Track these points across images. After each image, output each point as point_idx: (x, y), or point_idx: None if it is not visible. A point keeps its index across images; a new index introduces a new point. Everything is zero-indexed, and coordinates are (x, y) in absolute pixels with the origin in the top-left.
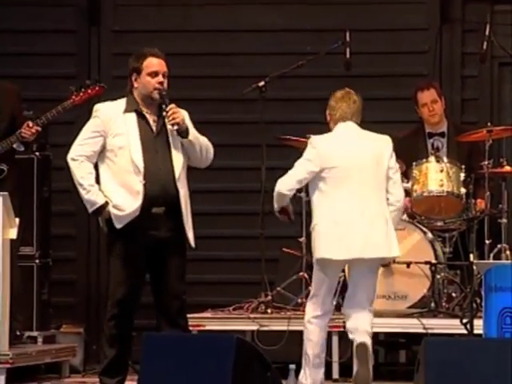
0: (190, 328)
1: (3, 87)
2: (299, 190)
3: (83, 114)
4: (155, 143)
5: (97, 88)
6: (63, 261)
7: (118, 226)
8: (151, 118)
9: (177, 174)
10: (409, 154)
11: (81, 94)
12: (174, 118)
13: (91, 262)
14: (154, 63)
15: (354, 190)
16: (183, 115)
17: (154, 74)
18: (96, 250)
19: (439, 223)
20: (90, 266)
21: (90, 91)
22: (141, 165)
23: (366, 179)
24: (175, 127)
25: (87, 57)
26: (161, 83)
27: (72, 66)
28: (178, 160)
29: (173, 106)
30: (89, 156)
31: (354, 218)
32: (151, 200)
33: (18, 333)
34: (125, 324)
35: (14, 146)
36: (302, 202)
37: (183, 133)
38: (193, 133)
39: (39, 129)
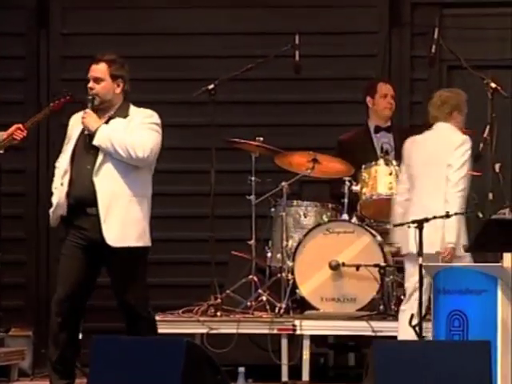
0: None
1: None
2: (249, 193)
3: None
4: (88, 145)
5: (68, 97)
6: (12, 264)
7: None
8: None
9: (94, 172)
10: (356, 155)
11: (57, 101)
12: (82, 123)
13: (41, 265)
14: (91, 68)
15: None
16: (90, 121)
17: (90, 79)
18: (46, 252)
19: (388, 226)
20: (40, 268)
21: (63, 99)
22: (65, 166)
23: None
24: (85, 132)
25: (36, 60)
26: (90, 88)
27: (21, 69)
28: (100, 160)
29: (87, 110)
30: (60, 161)
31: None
32: (75, 199)
33: None
34: (66, 323)
35: None
36: (251, 205)
37: (90, 137)
38: (103, 136)
39: (25, 134)
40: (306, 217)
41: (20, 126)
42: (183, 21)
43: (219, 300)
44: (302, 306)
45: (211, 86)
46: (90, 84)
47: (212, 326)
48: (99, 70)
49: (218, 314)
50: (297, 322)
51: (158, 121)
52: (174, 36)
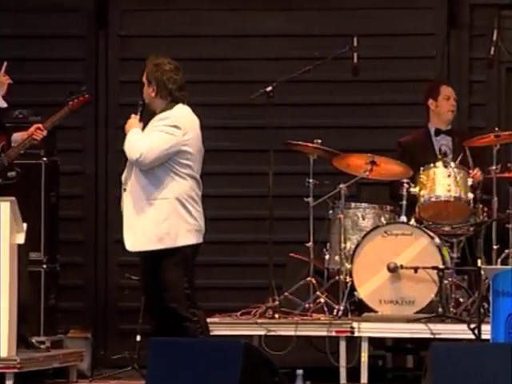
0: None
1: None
2: (306, 195)
3: (91, 121)
4: None
5: (85, 97)
6: (71, 266)
7: None
8: None
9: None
10: (416, 157)
11: (75, 100)
12: None
13: (99, 267)
14: None
15: None
16: (128, 125)
17: None
18: (104, 254)
19: (446, 228)
20: (98, 270)
21: (81, 98)
22: None
23: None
24: None
25: (95, 62)
26: None
27: (80, 70)
28: (128, 164)
29: (132, 114)
30: None
31: None
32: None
33: (27, 338)
34: (160, 324)
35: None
36: (309, 207)
37: None
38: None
39: (45, 133)
40: (364, 219)
41: (40, 125)
42: (241, 23)
43: (277, 302)
44: (360, 309)
45: (269, 88)
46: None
47: (270, 328)
48: (144, 72)
49: (276, 316)
50: (355, 325)
51: (173, 123)
52: (231, 38)
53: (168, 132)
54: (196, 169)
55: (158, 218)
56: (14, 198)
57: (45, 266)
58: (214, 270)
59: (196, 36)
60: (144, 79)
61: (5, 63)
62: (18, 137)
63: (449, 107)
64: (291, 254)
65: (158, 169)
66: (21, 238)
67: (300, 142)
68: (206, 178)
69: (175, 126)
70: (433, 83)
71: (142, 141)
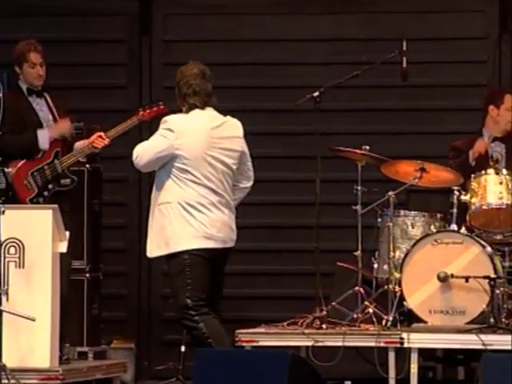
0: (244, 344)
1: (52, 96)
2: (354, 203)
3: (134, 127)
4: None
5: (160, 107)
6: (114, 275)
7: None
8: None
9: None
10: (469, 164)
11: (148, 110)
12: None
13: (142, 276)
14: None
15: None
16: None
17: None
18: (147, 263)
19: (498, 237)
20: (141, 280)
21: (155, 108)
22: None
23: None
24: None
25: (138, 67)
26: None
27: (123, 76)
28: None
29: None
30: None
31: None
32: None
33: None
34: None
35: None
36: (357, 215)
37: None
38: None
39: (107, 142)
40: (413, 227)
41: (102, 134)
42: (287, 27)
43: (325, 312)
44: (409, 319)
45: (316, 94)
46: None
47: (317, 339)
48: None
49: (324, 326)
50: (404, 335)
51: (168, 126)
52: (277, 42)
53: (162, 135)
54: (199, 175)
55: (164, 222)
56: (56, 206)
57: (88, 275)
58: (261, 279)
59: (240, 40)
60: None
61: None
62: (80, 145)
63: (509, 118)
64: (339, 263)
65: (162, 173)
66: (63, 247)
67: (348, 149)
68: (252, 185)
69: (169, 129)
70: (497, 90)
71: (142, 144)
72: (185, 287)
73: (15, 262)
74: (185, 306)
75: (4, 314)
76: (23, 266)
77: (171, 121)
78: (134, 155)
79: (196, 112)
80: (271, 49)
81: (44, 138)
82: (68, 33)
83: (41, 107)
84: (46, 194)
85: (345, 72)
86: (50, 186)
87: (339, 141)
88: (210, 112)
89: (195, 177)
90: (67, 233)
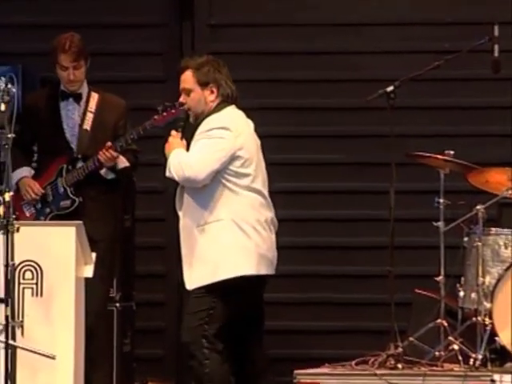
0: None
1: (110, 101)
2: (436, 219)
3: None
4: None
5: (173, 110)
6: (149, 304)
7: None
8: None
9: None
10: None
11: (163, 114)
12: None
13: (183, 306)
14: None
15: None
16: (168, 145)
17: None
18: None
19: None
20: (182, 310)
21: (173, 111)
22: None
23: None
24: None
25: (179, 56)
26: (181, 103)
27: (161, 67)
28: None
29: (172, 132)
30: None
31: None
32: None
33: None
34: None
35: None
36: (439, 233)
37: None
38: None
39: (115, 154)
40: (506, 247)
41: (110, 144)
42: (349, 9)
43: (400, 349)
44: (502, 357)
45: (390, 89)
46: (181, 98)
47: (392, 381)
48: (185, 79)
49: (399, 366)
50: (496, 377)
51: (220, 124)
52: (338, 27)
53: (218, 136)
54: (259, 182)
55: (210, 245)
56: (80, 222)
57: (118, 305)
58: (323, 309)
59: (299, 25)
60: (190, 84)
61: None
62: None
63: None
64: (417, 291)
65: (209, 184)
66: (89, 271)
67: (428, 154)
68: (308, 197)
69: (223, 128)
70: None
71: (188, 156)
72: (207, 311)
73: (32, 288)
74: (203, 335)
75: (19, 351)
76: (41, 294)
77: (220, 119)
78: (188, 171)
79: (230, 109)
80: (335, 35)
81: (15, 178)
82: (97, 16)
83: (72, 114)
84: (42, 218)
85: (424, 62)
86: (48, 210)
87: (417, 144)
88: (237, 110)
89: (255, 183)
90: (93, 254)
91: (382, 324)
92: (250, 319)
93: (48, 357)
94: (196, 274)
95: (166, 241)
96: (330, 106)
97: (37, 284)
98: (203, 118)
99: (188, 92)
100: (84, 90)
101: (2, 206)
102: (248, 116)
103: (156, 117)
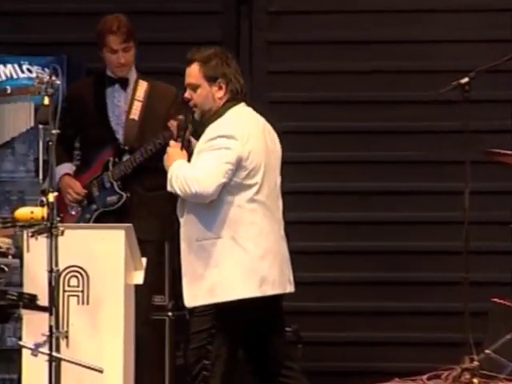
0: None
1: (160, 89)
2: None
3: None
4: None
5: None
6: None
7: None
8: None
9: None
10: None
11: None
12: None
13: None
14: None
15: None
16: (169, 156)
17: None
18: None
19: None
20: None
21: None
22: None
23: None
24: None
25: (235, 46)
26: (186, 99)
27: None
28: None
29: (171, 141)
30: None
31: None
32: None
33: None
34: None
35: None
36: None
37: None
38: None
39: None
40: None
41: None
42: None
43: (476, 363)
44: None
45: (464, 80)
46: (187, 93)
47: None
48: (191, 73)
49: (475, 381)
50: None
51: (221, 133)
52: (407, 14)
53: (223, 147)
54: (264, 192)
55: (208, 264)
56: (130, 225)
57: (170, 314)
58: (391, 319)
59: (363, 12)
60: (197, 79)
61: None
62: None
63: None
64: (494, 299)
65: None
66: (139, 278)
67: (506, 151)
68: (380, 198)
69: (230, 137)
70: None
71: (193, 170)
72: (208, 331)
73: (77, 296)
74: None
75: (63, 364)
76: (87, 302)
77: (225, 126)
78: (195, 186)
79: (238, 109)
80: (405, 22)
81: (58, 173)
82: (147, 2)
83: (118, 101)
84: (87, 216)
85: (502, 52)
86: (94, 207)
87: (495, 140)
88: (247, 107)
89: (260, 193)
90: (144, 260)
91: (456, 335)
92: (266, 335)
93: (95, 370)
94: (194, 293)
95: None
96: (399, 100)
97: (83, 291)
98: (210, 117)
99: (194, 87)
100: (132, 76)
101: (45, 208)
102: (310, 110)
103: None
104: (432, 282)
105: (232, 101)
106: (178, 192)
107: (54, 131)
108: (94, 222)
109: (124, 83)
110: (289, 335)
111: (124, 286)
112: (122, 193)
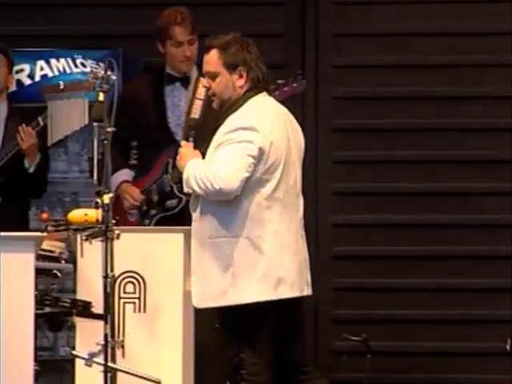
0: None
1: None
2: None
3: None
4: None
5: (294, 85)
6: None
7: None
8: None
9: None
10: None
11: (276, 93)
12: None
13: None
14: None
15: None
16: (182, 155)
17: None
18: (313, 308)
19: None
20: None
21: (286, 89)
22: None
23: None
24: None
25: (300, 40)
26: (205, 87)
27: (280, 52)
28: None
29: (182, 142)
30: None
31: None
32: None
33: None
34: None
35: None
36: None
37: None
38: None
39: None
40: None
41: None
42: None
43: None
44: None
45: None
46: (205, 82)
47: None
48: (210, 60)
49: None
50: None
51: (241, 125)
52: (478, 5)
53: (244, 140)
54: (282, 188)
55: (221, 264)
56: (189, 228)
57: None
58: (459, 328)
59: (435, 2)
60: (216, 66)
61: None
62: None
63: None
64: None
65: None
66: None
67: None
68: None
69: (251, 129)
70: None
71: (214, 166)
72: (231, 349)
73: (134, 303)
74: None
75: (119, 375)
76: (144, 310)
77: (246, 117)
78: (216, 185)
79: (260, 98)
80: (487, 13)
81: (114, 182)
82: None
83: (178, 101)
84: (147, 222)
85: None
86: (153, 212)
87: None
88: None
89: (278, 190)
90: None
91: None
92: (284, 339)
93: (153, 381)
94: (204, 293)
95: None
96: (479, 95)
97: (139, 298)
98: (230, 106)
99: (213, 76)
100: (193, 73)
101: (100, 210)
102: (383, 107)
103: (277, 93)
104: (499, 289)
105: (253, 90)
106: (198, 191)
107: (108, 129)
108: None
109: (185, 81)
110: (358, 345)
111: (183, 293)
112: (182, 196)
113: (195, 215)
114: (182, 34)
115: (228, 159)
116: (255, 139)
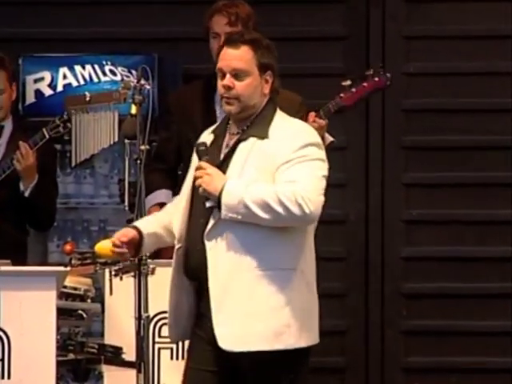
0: None
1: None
2: None
3: (361, 132)
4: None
5: (376, 79)
6: (328, 334)
7: None
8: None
9: (207, 232)
10: None
11: (353, 89)
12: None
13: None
14: (222, 55)
15: None
16: (208, 181)
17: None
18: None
19: None
20: (369, 342)
21: (366, 84)
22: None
23: None
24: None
25: (365, 42)
26: (224, 87)
27: (339, 55)
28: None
29: (202, 162)
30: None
31: None
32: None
33: None
34: None
35: None
36: None
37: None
38: (233, 205)
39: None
40: None
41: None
42: None
43: None
44: None
45: None
46: (226, 81)
47: None
48: (242, 57)
49: None
50: None
51: (311, 140)
52: None
53: (319, 158)
54: None
55: (276, 302)
56: None
57: None
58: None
59: None
60: (248, 65)
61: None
62: None
63: None
64: None
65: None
66: None
67: None
68: None
69: (320, 146)
70: None
71: (303, 189)
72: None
73: (170, 349)
74: None
75: None
76: (182, 357)
77: (311, 131)
78: (306, 209)
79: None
80: None
81: (148, 204)
82: None
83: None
84: None
85: None
86: None
87: None
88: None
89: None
90: None
91: None
92: None
93: None
94: (246, 333)
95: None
96: None
97: (177, 343)
98: (252, 115)
99: (242, 75)
100: None
101: None
102: (461, 121)
103: (342, 94)
104: None
105: (272, 102)
106: (268, 216)
107: (142, 147)
108: None
109: None
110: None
111: None
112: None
113: (217, 241)
114: (220, 23)
115: (308, 179)
116: (325, 158)
